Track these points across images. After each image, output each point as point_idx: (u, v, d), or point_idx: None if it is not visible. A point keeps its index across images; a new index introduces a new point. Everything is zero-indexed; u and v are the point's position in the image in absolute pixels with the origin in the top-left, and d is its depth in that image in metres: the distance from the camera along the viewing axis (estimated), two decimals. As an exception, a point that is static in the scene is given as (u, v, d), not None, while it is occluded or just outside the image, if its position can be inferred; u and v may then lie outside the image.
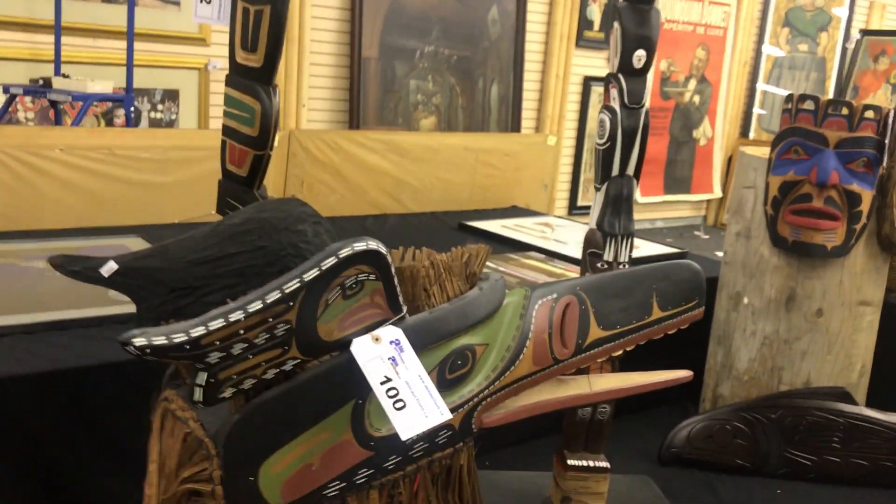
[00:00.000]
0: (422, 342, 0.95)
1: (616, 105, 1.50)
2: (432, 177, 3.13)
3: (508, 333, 1.08)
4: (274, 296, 0.79)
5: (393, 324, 0.92)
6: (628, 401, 2.15)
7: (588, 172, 6.15)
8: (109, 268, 0.88)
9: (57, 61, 3.53)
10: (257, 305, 0.78)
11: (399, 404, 0.88)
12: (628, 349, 1.29)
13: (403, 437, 0.86)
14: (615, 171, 1.52)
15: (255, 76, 1.22)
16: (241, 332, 0.78)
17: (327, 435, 0.89)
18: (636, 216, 1.57)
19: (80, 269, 0.89)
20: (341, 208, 2.85)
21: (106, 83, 3.25)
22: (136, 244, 2.17)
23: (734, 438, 1.95)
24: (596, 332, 1.17)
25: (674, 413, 2.17)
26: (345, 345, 0.88)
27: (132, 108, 3.31)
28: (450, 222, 2.85)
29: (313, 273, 0.81)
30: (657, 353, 2.12)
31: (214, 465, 0.83)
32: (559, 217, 3.09)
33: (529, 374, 1.10)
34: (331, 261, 0.82)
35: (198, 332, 0.76)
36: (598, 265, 1.54)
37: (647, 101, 1.50)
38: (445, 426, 1.01)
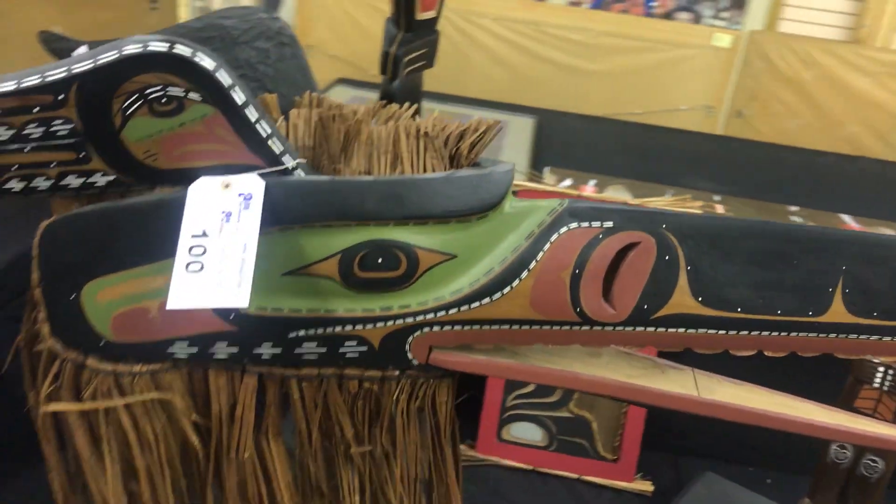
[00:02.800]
0: (304, 211, 0.71)
1: None
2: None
3: (498, 253, 0.74)
4: (32, 80, 0.67)
5: (261, 175, 0.71)
6: None
7: None
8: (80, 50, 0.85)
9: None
10: (9, 86, 0.67)
11: (194, 266, 0.68)
12: (770, 356, 0.80)
13: (171, 304, 0.67)
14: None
15: None
16: None
17: (163, 282, 0.74)
18: None
19: (62, 48, 0.88)
20: (800, 138, 2.27)
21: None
22: (523, 126, 2.11)
23: None
24: (685, 302, 0.74)
25: None
26: (191, 180, 0.71)
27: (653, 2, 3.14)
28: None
29: (85, 66, 0.66)
30: None
31: (35, 265, 0.76)
32: None
33: (523, 320, 0.75)
34: (110, 55, 0.65)
35: None
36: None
37: None
38: (355, 337, 0.76)
